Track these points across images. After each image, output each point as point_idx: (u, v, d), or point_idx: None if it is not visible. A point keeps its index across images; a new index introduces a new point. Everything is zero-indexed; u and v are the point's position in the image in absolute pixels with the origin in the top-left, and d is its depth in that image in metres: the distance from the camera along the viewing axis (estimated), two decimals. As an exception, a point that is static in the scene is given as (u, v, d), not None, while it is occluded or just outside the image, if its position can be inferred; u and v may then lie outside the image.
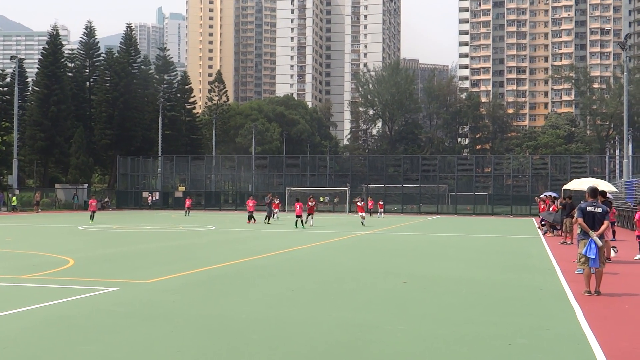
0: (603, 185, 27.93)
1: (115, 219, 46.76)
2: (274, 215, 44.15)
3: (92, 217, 41.19)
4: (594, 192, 12.75)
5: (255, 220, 39.45)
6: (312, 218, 37.02)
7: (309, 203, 37.78)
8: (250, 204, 41.07)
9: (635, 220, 19.65)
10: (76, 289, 12.17)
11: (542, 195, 39.10)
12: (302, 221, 35.24)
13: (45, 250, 20.38)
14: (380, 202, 56.92)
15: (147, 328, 8.94)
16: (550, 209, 31.93)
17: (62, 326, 9.01)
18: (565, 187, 37.82)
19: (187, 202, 53.43)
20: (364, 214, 40.65)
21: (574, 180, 33.52)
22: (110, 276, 14.12)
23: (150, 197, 72.61)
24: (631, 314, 10.48)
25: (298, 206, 35.82)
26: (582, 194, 13.51)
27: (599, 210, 12.45)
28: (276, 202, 45.59)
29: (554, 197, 34.14)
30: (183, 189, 76.31)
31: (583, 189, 20.91)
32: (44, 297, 11.28)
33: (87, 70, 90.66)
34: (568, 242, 25.34)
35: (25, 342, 8.10)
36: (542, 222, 33.18)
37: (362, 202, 43.44)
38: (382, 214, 55.60)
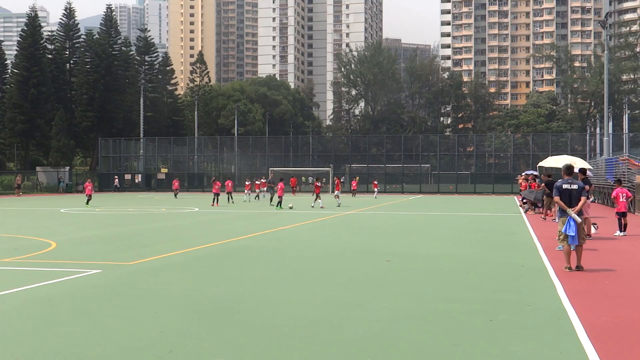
0: (579, 162, 28.21)
1: (97, 201, 46.50)
2: (259, 195, 44.07)
3: (87, 201, 39.26)
4: (569, 169, 12.91)
5: (218, 203, 38.94)
6: (320, 199, 36.61)
7: (317, 184, 37.55)
8: (229, 185, 41.44)
9: (612, 197, 20.03)
10: (59, 272, 12.12)
11: (522, 174, 39.24)
12: (280, 202, 34.96)
13: (27, 234, 20.26)
14: (375, 182, 56.77)
15: (130, 309, 8.93)
16: (530, 187, 32.36)
17: (45, 308, 8.99)
18: (540, 164, 38.12)
19: (175, 184, 52.31)
20: (336, 192, 40.47)
21: (550, 158, 33.75)
22: (93, 258, 14.08)
23: (116, 179, 71.21)
24: (611, 289, 10.61)
25: (280, 186, 35.38)
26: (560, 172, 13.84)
27: (575, 187, 12.65)
28: (263, 181, 45.71)
29: (535, 175, 34.32)
30: (165, 170, 76.04)
31: (559, 166, 21.21)
32: (26, 279, 11.23)
33: (67, 52, 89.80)
34: (549, 219, 25.80)
35: (8, 324, 8.07)
36: (524, 201, 33.44)
37: (322, 184, 41.69)
38: (377, 194, 55.04)
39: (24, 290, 10.25)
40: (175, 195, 52.01)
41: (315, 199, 36.42)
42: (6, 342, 7.22)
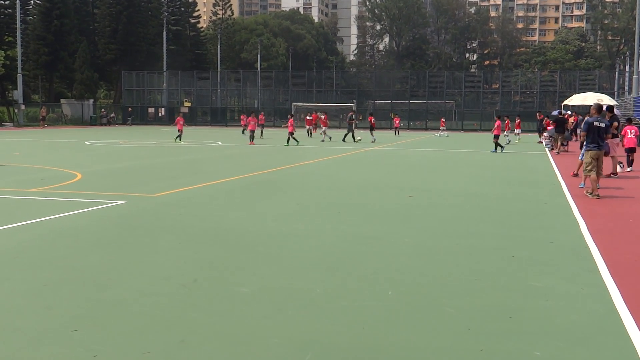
0: (606, 100, 28.36)
1: (121, 134, 46.81)
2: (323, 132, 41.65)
3: (178, 137, 35.46)
4: (599, 108, 14.27)
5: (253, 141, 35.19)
6: (324, 133, 36.79)
7: (321, 117, 37.34)
8: (252, 122, 36.19)
9: (622, 134, 21.02)
10: (84, 202, 12.27)
11: (554, 113, 39.42)
12: (294, 137, 33.63)
13: (52, 165, 20.48)
14: (442, 119, 52.21)
15: (154, 239, 9.04)
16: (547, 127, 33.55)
17: (71, 237, 9.12)
18: (565, 102, 37.76)
19: (180, 123, 36.90)
20: (324, 128, 39.26)
21: (575, 96, 33.48)
22: (118, 190, 14.22)
23: (129, 120, 71.55)
24: (635, 227, 10.54)
25: (290, 122, 34.18)
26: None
27: (602, 125, 14.00)
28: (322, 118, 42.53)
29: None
30: (189, 104, 76.05)
31: (585, 104, 21.63)
32: (52, 209, 11.39)
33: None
34: (558, 151, 29.47)
35: (35, 251, 8.22)
36: (546, 140, 34.19)
37: (324, 116, 40.58)
38: (442, 132, 51.23)
39: (50, 220, 10.40)
40: (179, 138, 36.01)
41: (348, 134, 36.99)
42: (34, 268, 7.36)
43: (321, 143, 36.09)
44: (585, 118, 14.20)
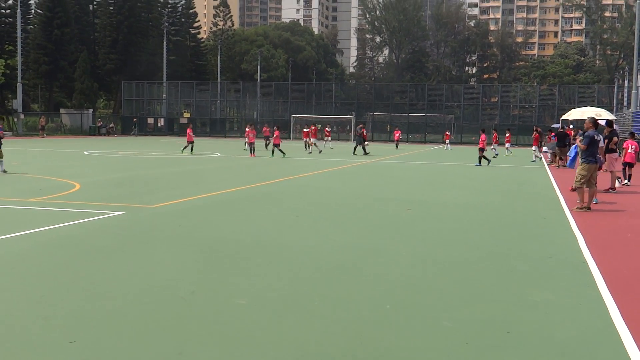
0: (604, 114, 28.58)
1: (120, 144, 46.83)
2: (325, 142, 42.51)
3: (186, 148, 34.75)
4: (595, 121, 14.69)
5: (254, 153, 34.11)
6: (315, 145, 37.00)
7: (311, 129, 37.42)
8: (251, 135, 34.74)
9: (623, 147, 21.33)
10: (82, 212, 12.26)
11: (553, 126, 39.64)
12: (280, 150, 32.88)
13: (51, 175, 20.48)
14: (447, 133, 51.66)
15: (152, 250, 9.03)
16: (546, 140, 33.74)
17: (69, 247, 9.11)
18: (564, 117, 37.97)
19: (190, 133, 35.99)
20: (312, 140, 39.79)
21: (574, 110, 33.57)
22: (116, 200, 14.21)
23: (134, 130, 71.78)
24: (633, 242, 10.55)
25: (276, 134, 33.33)
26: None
27: (599, 138, 14.60)
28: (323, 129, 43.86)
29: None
30: (188, 115, 76.13)
31: (584, 118, 21.77)
32: (50, 219, 11.38)
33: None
34: (558, 165, 29.83)
35: (33, 261, 8.21)
36: (539, 155, 34.88)
37: (313, 128, 41.22)
38: (448, 146, 50.28)
39: (48, 230, 10.39)
40: (191, 149, 35.38)
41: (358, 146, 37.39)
42: (32, 279, 7.35)
43: (318, 155, 36.10)
44: (586, 132, 14.40)
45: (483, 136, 30.04)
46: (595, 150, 14.17)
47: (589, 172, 13.99)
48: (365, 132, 39.76)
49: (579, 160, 14.58)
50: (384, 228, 11.35)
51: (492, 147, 37.72)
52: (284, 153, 33.15)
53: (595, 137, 14.19)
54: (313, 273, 7.87)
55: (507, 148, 41.71)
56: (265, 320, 5.92)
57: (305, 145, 43.11)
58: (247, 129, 35.89)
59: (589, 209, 13.92)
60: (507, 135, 41.93)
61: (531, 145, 37.46)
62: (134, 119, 73.81)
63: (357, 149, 38.05)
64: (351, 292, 6.97)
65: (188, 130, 35.99)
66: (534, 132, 35.97)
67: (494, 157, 34.66)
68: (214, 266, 8.15)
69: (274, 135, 33.62)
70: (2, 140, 21.80)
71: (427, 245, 9.84)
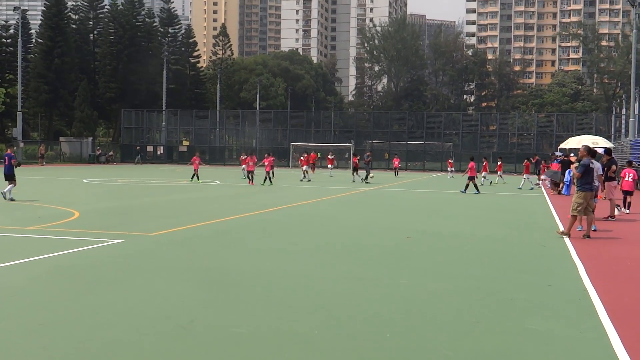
0: (601, 142, 28.65)
1: (119, 172, 46.87)
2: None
3: (194, 177, 34.98)
4: (589, 150, 14.94)
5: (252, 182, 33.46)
6: (306, 172, 37.84)
7: (304, 156, 37.70)
8: (250, 163, 33.81)
9: (621, 176, 21.49)
10: (81, 241, 12.25)
11: (555, 153, 39.52)
12: (269, 177, 33.10)
13: (50, 203, 20.47)
14: (450, 161, 52.26)
15: (152, 279, 9.01)
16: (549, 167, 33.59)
17: (68, 276, 9.08)
18: (562, 145, 38.08)
19: (196, 162, 36.31)
20: (304, 167, 40.14)
21: (571, 139, 33.66)
22: (116, 228, 14.20)
23: (139, 158, 71.62)
24: (634, 271, 10.52)
25: (268, 162, 33.20)
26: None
27: (595, 166, 14.81)
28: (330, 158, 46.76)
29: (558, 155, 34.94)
30: (187, 143, 76.31)
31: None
32: (49, 248, 11.35)
33: (91, 23, 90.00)
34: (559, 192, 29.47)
35: (32, 291, 8.18)
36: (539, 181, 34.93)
37: (305, 156, 42.46)
38: (451, 174, 50.63)
39: (47, 258, 10.37)
40: (197, 177, 35.56)
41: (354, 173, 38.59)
42: (30, 308, 7.32)
43: (318, 183, 36.12)
44: (581, 160, 14.55)
45: (471, 164, 29.97)
46: (590, 178, 14.26)
47: (584, 200, 14.07)
48: (357, 160, 40.25)
49: (574, 188, 14.82)
50: (384, 257, 11.32)
51: (482, 174, 37.90)
52: (271, 182, 33.06)
53: (591, 165, 14.38)
54: (312, 302, 7.84)
55: (500, 176, 41.79)
56: (264, 349, 5.89)
57: (304, 173, 43.17)
58: (242, 157, 35.92)
59: (569, 235, 14.11)
60: (499, 163, 42.00)
61: (539, 174, 37.73)
62: (138, 147, 73.88)
63: (368, 176, 38.25)
64: (351, 323, 6.94)
65: (194, 159, 36.30)
66: (525, 160, 36.33)
67: (481, 184, 34.72)
68: (213, 295, 8.12)
69: (266, 163, 33.43)
70: (17, 167, 22.16)
71: (426, 275, 9.81)
